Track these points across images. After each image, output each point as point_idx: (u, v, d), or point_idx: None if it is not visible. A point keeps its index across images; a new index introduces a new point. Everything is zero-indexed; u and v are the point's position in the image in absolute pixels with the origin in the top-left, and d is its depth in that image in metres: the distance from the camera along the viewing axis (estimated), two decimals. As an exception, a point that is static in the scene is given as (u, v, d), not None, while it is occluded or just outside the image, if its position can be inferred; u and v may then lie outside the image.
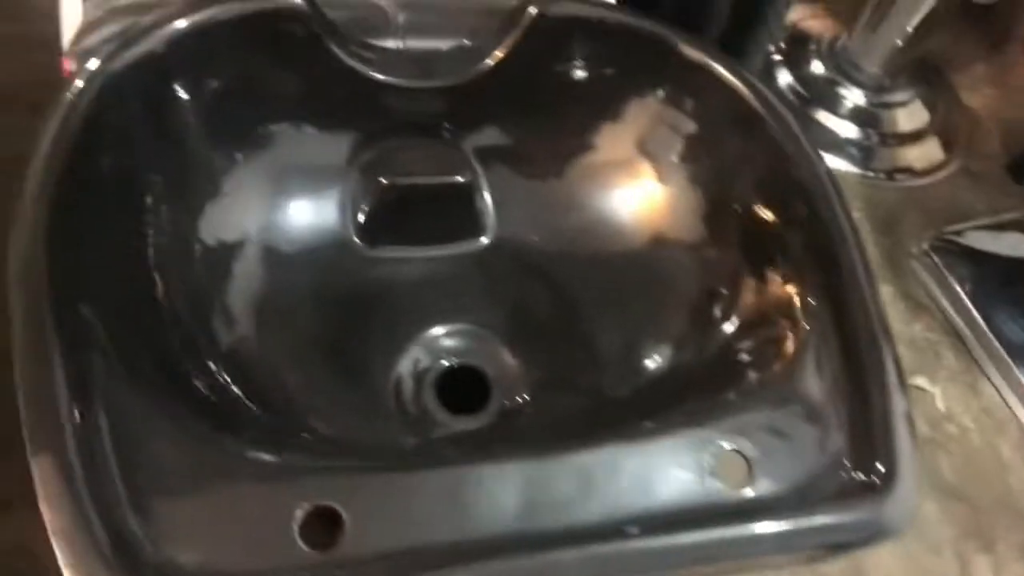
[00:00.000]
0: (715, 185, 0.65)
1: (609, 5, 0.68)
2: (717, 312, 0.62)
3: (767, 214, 0.62)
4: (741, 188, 0.63)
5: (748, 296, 0.61)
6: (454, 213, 0.70)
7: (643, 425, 0.53)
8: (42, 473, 0.40)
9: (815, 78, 1.63)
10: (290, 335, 0.62)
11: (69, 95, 0.52)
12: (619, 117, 0.68)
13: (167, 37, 0.56)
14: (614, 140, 0.69)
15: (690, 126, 0.65)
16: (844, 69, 1.61)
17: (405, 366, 0.66)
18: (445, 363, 0.67)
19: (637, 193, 0.68)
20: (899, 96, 1.61)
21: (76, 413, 0.42)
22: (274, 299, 0.62)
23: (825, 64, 1.64)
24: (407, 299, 0.68)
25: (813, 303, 0.58)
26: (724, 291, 0.62)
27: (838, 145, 1.58)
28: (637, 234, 0.67)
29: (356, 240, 0.67)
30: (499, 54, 0.67)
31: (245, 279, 0.61)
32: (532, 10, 0.66)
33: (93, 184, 0.52)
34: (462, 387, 0.66)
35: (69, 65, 0.66)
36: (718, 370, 0.58)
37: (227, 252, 0.60)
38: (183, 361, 0.54)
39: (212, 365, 0.56)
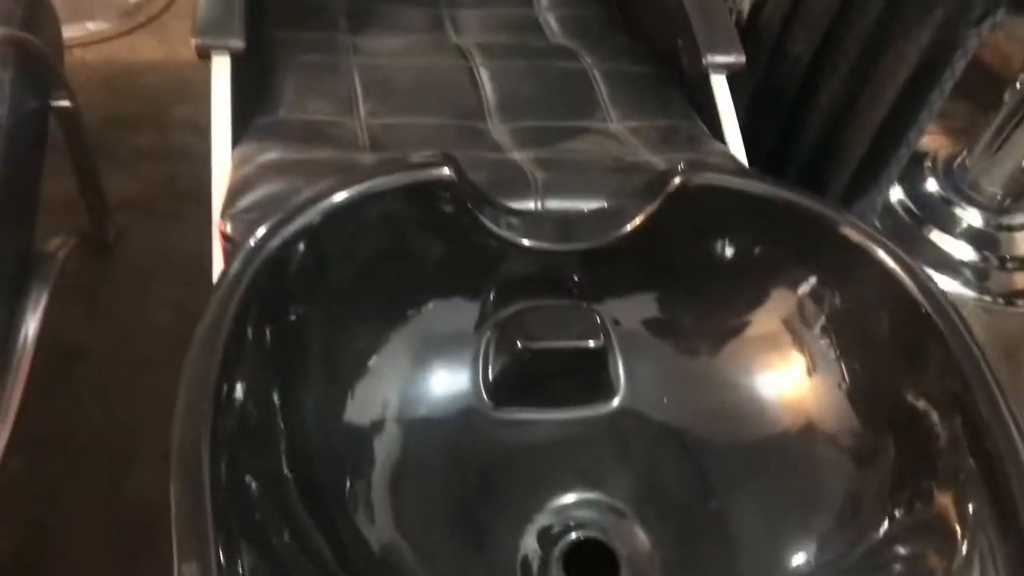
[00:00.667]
0: (867, 373, 0.62)
1: (760, 176, 0.67)
2: (867, 511, 0.58)
3: (923, 407, 0.59)
4: (895, 377, 0.60)
5: (903, 496, 0.58)
6: (585, 377, 0.68)
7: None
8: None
9: (929, 196, 1.59)
10: (422, 501, 0.61)
11: (233, 270, 0.53)
12: (764, 293, 0.66)
13: (324, 210, 0.57)
14: (757, 315, 0.67)
15: (841, 308, 0.63)
16: (961, 188, 1.57)
17: (532, 535, 0.64)
18: (573, 536, 0.65)
19: (780, 373, 0.65)
20: (1020, 218, 1.56)
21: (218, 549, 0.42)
22: (408, 465, 0.62)
23: (940, 182, 1.60)
24: (536, 463, 0.67)
25: (976, 509, 0.54)
26: (875, 489, 0.59)
27: (952, 266, 1.53)
28: (780, 417, 0.65)
29: (487, 402, 0.66)
30: (638, 220, 0.67)
31: (382, 447, 0.61)
32: (676, 179, 0.66)
33: (251, 351, 0.52)
34: (590, 561, 0.64)
35: (224, 228, 0.68)
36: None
37: (367, 423, 0.60)
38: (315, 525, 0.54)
39: (343, 537, 0.56)
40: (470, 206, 0.64)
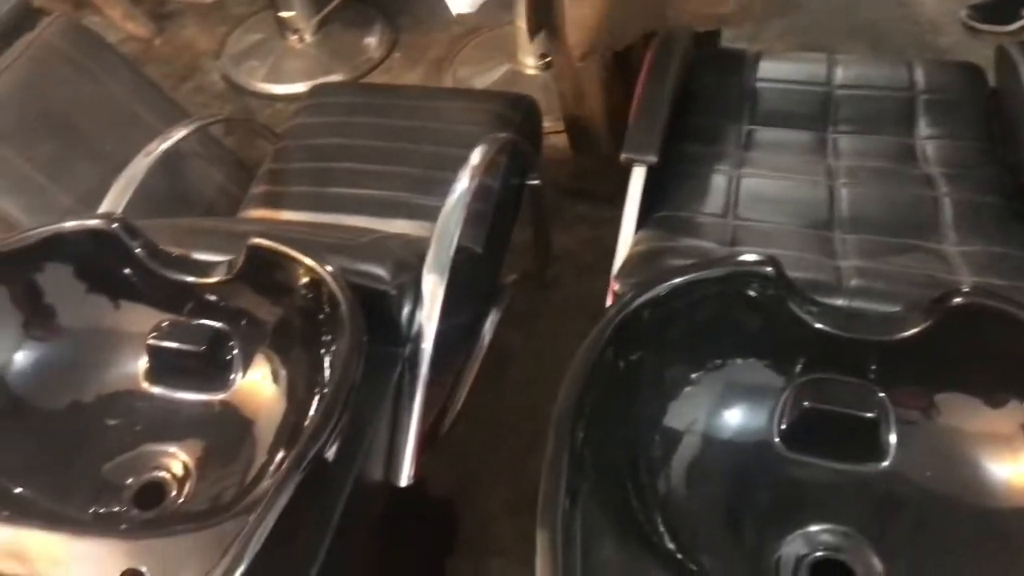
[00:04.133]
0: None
1: None
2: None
3: None
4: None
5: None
6: (861, 440, 0.88)
7: None
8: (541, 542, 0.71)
9: None
10: (707, 499, 0.87)
11: (606, 318, 0.85)
12: (1009, 402, 0.81)
13: (671, 287, 0.87)
14: (999, 420, 0.82)
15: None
16: None
17: (789, 546, 0.86)
18: (821, 554, 0.86)
19: (1011, 467, 0.80)
20: None
21: (566, 504, 0.72)
22: (703, 469, 0.88)
23: None
24: (806, 495, 0.89)
25: None
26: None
27: None
28: (1005, 501, 0.79)
29: (777, 441, 0.90)
30: (918, 328, 0.86)
31: (687, 451, 0.88)
32: (958, 299, 0.84)
33: (605, 375, 0.84)
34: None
35: (615, 287, 1.01)
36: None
37: (678, 432, 0.88)
38: (635, 504, 0.82)
39: (655, 514, 0.83)
40: (784, 296, 0.89)
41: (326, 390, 0.87)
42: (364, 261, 1.06)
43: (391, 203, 1.34)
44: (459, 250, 1.11)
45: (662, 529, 0.81)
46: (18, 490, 0.86)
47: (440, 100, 1.53)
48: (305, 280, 0.94)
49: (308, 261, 0.93)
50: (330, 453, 0.82)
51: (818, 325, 0.89)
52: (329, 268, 0.92)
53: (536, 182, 1.50)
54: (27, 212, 1.42)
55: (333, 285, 0.91)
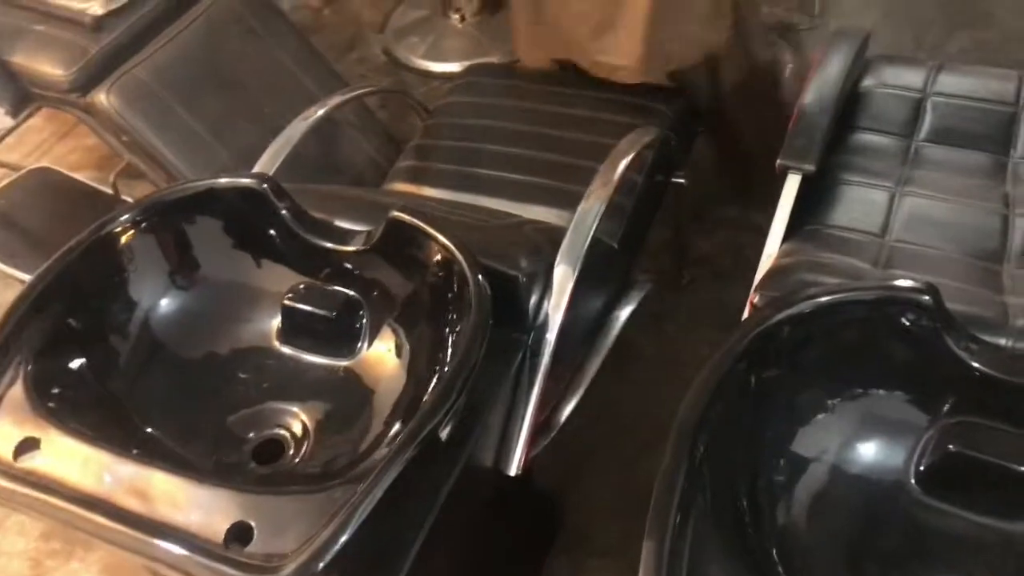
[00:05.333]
0: None
1: None
2: None
3: None
4: None
5: None
6: (1009, 495, 0.81)
7: None
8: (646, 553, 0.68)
9: None
10: (828, 535, 0.82)
11: (739, 332, 0.81)
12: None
13: (813, 305, 0.82)
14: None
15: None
16: None
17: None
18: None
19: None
20: None
21: (677, 519, 0.69)
22: (828, 502, 0.82)
23: None
24: (939, 545, 0.82)
25: None
26: None
27: None
28: None
29: (912, 483, 0.83)
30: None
31: (813, 481, 0.83)
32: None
33: (739, 389, 0.79)
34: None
35: (754, 299, 0.96)
36: None
37: (806, 460, 0.83)
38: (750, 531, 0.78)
39: (770, 543, 0.79)
40: (939, 327, 0.82)
41: (446, 369, 0.86)
42: (498, 244, 1.05)
43: (532, 188, 1.33)
44: (594, 242, 1.09)
45: (775, 558, 0.77)
46: (148, 430, 0.90)
47: (593, 89, 1.50)
48: (438, 257, 0.94)
49: (443, 239, 0.93)
50: (444, 432, 0.82)
51: (976, 364, 0.81)
52: (462, 248, 0.92)
53: (682, 180, 1.46)
54: (190, 165, 1.49)
55: (464, 265, 0.90)
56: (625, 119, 1.38)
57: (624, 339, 1.30)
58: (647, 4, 1.28)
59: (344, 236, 1.01)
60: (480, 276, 0.89)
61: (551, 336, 1.03)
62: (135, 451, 0.82)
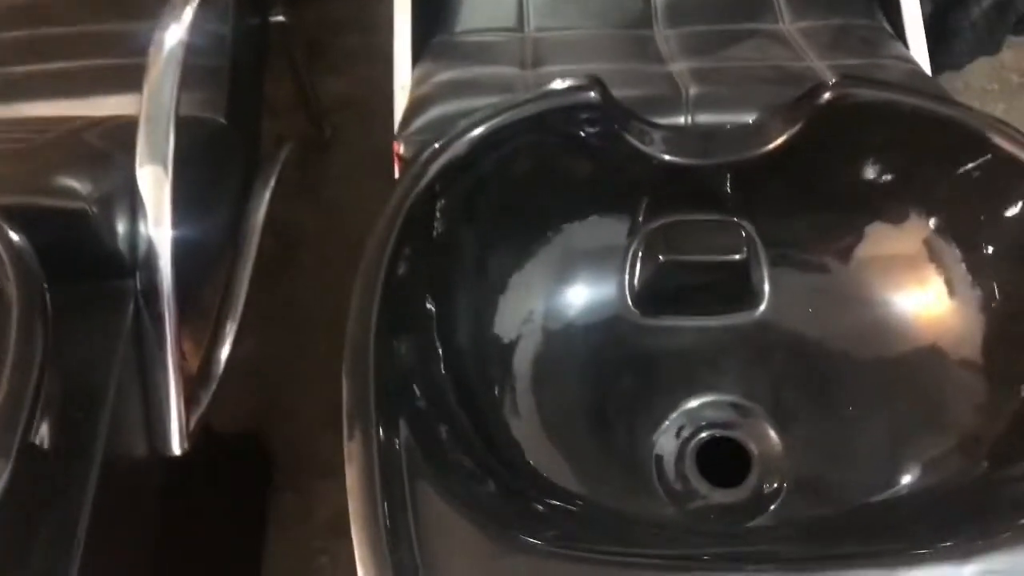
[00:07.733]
0: (1010, 302, 0.61)
1: (914, 90, 0.66)
2: (990, 443, 0.59)
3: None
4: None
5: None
6: (729, 287, 0.72)
7: (891, 548, 0.52)
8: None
9: None
10: (564, 400, 0.69)
11: (397, 194, 0.61)
12: (909, 213, 0.66)
13: (472, 140, 0.63)
14: (899, 237, 0.67)
15: (994, 231, 0.62)
16: None
17: (668, 434, 0.70)
18: (707, 434, 0.70)
19: (917, 296, 0.66)
20: None
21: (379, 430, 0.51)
22: (551, 367, 0.69)
23: None
24: (676, 367, 0.72)
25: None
26: (1004, 423, 0.59)
27: None
28: (913, 337, 0.65)
29: (633, 309, 0.72)
30: (783, 138, 0.67)
31: (528, 350, 0.68)
32: (825, 96, 0.66)
33: (411, 265, 0.61)
34: (723, 459, 0.69)
35: (398, 149, 0.76)
36: (984, 504, 0.56)
37: (515, 329, 0.68)
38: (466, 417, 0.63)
39: (491, 429, 0.64)
40: (616, 126, 0.67)
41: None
42: (46, 171, 0.75)
43: (86, 74, 1.00)
44: (191, 124, 0.84)
45: (499, 466, 0.62)
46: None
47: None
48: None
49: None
50: (41, 440, 0.61)
51: (662, 155, 0.69)
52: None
53: (282, 18, 1.19)
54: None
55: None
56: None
57: (277, 225, 1.07)
58: None
59: None
60: (11, 236, 0.61)
61: (165, 266, 0.77)
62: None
